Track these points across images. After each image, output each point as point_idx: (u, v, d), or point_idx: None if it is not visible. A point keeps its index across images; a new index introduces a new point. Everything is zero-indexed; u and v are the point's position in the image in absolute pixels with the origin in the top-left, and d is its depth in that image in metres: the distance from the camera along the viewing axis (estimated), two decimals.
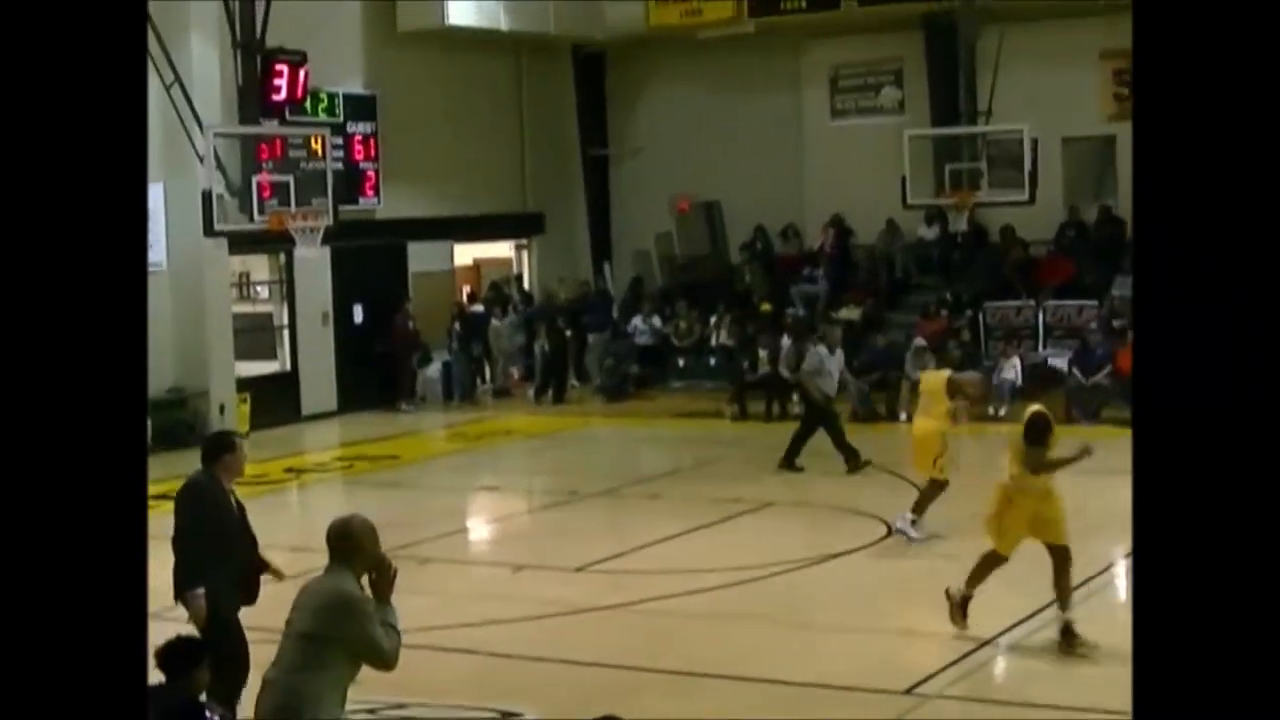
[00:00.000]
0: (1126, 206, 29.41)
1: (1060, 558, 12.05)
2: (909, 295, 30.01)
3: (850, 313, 29.01)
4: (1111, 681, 10.87)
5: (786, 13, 30.24)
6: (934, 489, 15.89)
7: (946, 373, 17.02)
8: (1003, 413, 24.83)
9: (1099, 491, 18.41)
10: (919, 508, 15.87)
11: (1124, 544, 15.06)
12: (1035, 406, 12.86)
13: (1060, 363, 25.25)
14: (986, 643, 12.00)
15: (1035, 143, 25.81)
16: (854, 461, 20.06)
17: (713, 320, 29.95)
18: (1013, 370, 25.47)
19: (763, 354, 26.59)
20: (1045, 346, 26.57)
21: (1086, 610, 12.37)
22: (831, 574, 14.77)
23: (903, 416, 24.75)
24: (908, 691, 10.92)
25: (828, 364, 20.64)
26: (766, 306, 29.45)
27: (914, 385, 24.68)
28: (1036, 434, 12.28)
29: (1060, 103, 29.04)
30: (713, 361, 29.31)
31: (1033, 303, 27.25)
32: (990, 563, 12.28)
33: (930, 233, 30.64)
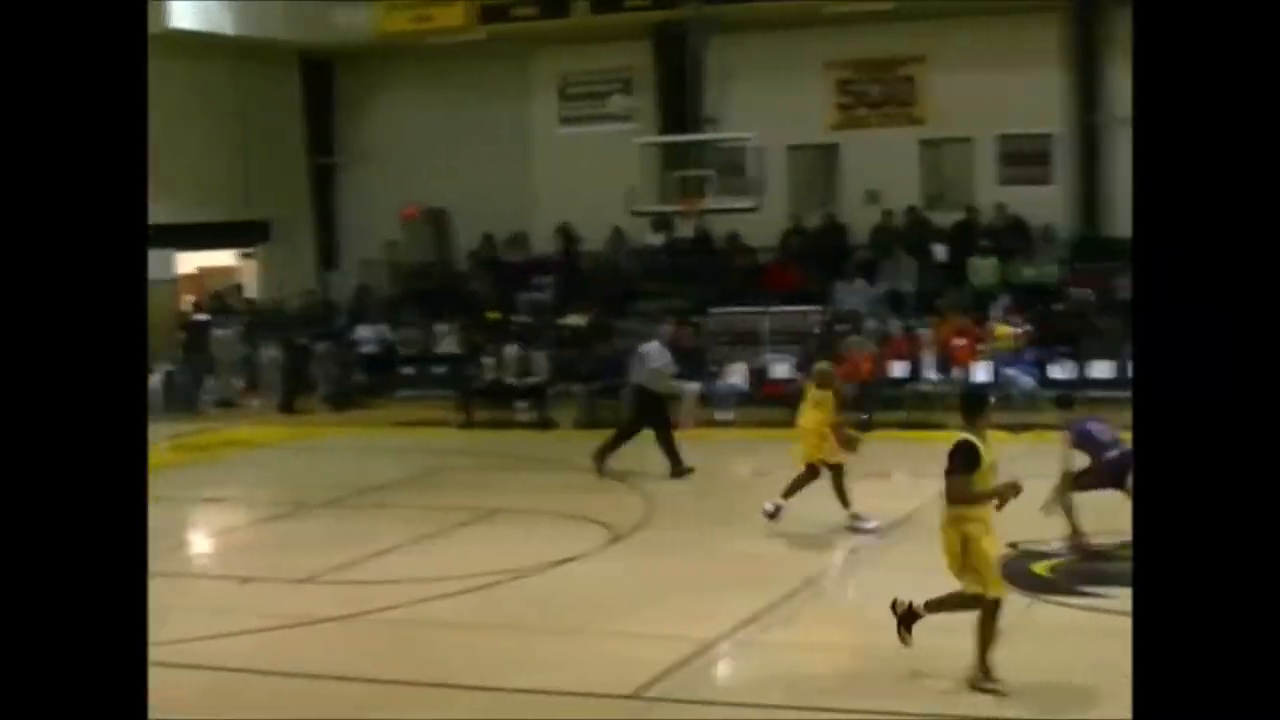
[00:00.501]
0: (848, 213, 30.14)
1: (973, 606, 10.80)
2: (636, 303, 30.25)
3: (577, 320, 29.13)
4: (844, 681, 11.11)
5: (516, 20, 30.26)
6: (807, 477, 16.23)
7: (823, 364, 17.22)
8: (728, 418, 25.22)
9: (833, 493, 18.89)
10: (843, 501, 16.09)
11: (849, 546, 15.42)
12: (961, 435, 11.13)
13: (785, 369, 25.70)
14: (713, 644, 12.14)
15: (761, 151, 26.25)
16: (680, 468, 20.06)
17: (440, 328, 29.81)
18: (738, 375, 25.85)
19: (489, 362, 26.60)
20: (770, 351, 27.01)
21: (802, 618, 12.57)
22: (560, 580, 14.80)
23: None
24: (633, 695, 10.99)
25: (666, 359, 20.68)
26: (494, 314, 29.42)
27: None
28: (953, 462, 11.00)
29: (785, 112, 29.61)
30: (440, 370, 29.15)
31: (758, 308, 27.68)
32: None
33: (657, 240, 30.94)
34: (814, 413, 16.43)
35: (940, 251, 28.96)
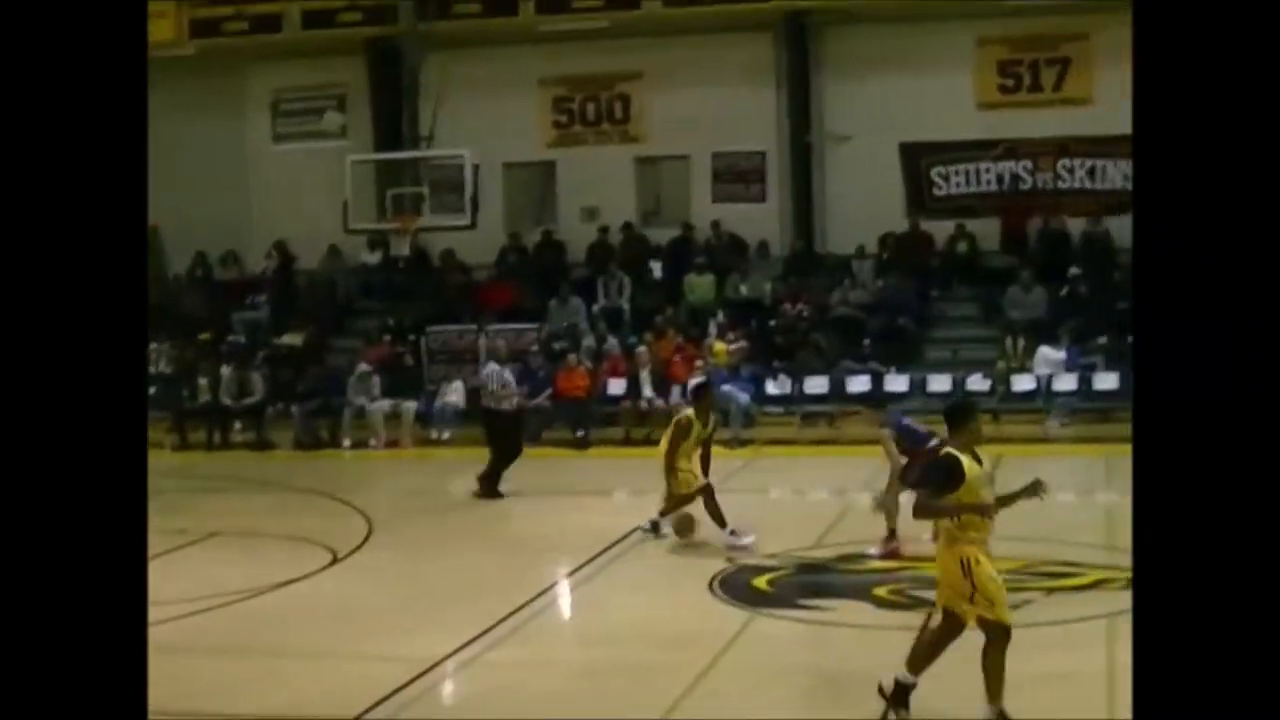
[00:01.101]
0: (566, 230, 30.28)
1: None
2: (353, 321, 29.94)
3: (293, 339, 28.69)
4: (567, 697, 11.11)
5: (228, 35, 29.71)
6: (684, 499, 15.92)
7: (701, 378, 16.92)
8: (445, 437, 25.10)
9: (555, 510, 18.93)
10: (719, 521, 15.69)
11: (572, 563, 15.45)
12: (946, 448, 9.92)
13: None
14: (438, 663, 12.04)
15: (476, 168, 26.21)
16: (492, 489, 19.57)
17: (151, 348, 29.03)
18: (455, 394, 25.75)
19: (203, 382, 26.04)
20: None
21: (527, 635, 12.57)
22: (282, 602, 14.52)
23: (346, 443, 24.69)
24: (357, 719, 10.84)
25: (506, 379, 20.26)
26: (206, 335, 28.81)
27: (357, 411, 24.75)
28: (924, 476, 10.39)
29: (502, 129, 29.62)
30: (152, 390, 28.38)
31: (475, 327, 27.62)
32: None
33: (373, 258, 30.66)
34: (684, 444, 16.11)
35: (657, 269, 29.30)
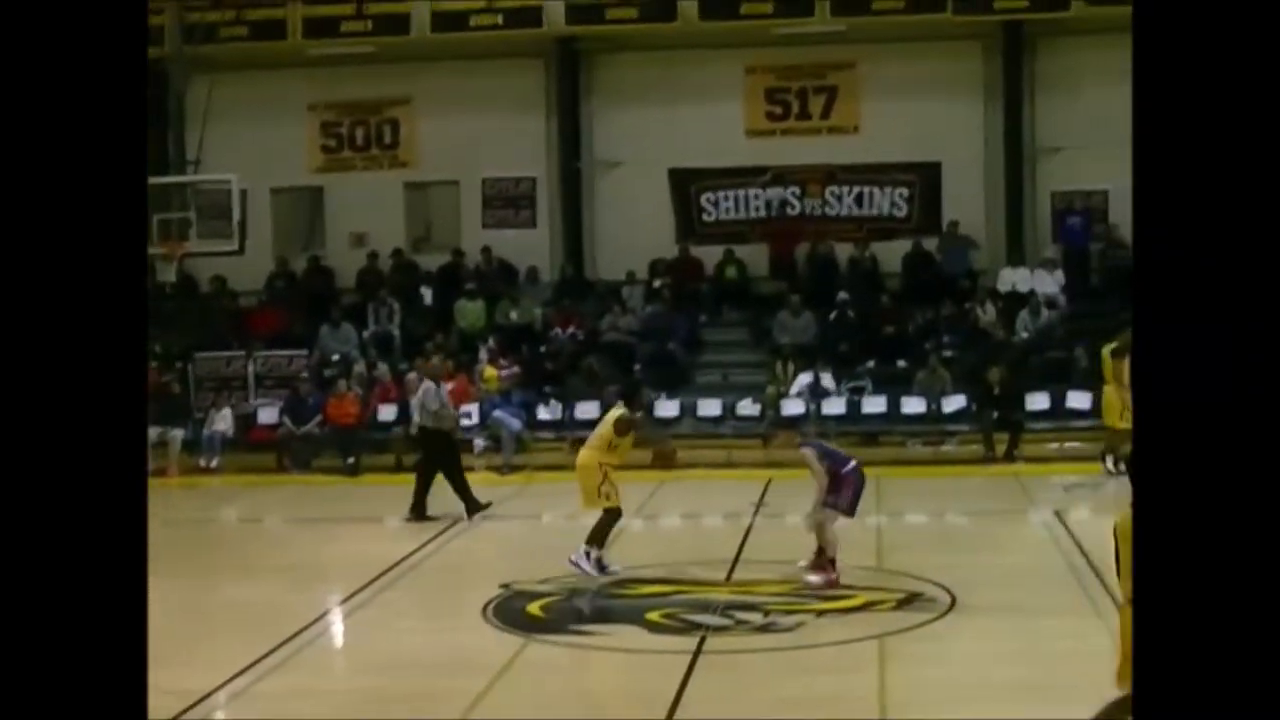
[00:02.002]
0: (335, 256, 29.97)
1: None
2: None
3: None
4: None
5: None
6: (608, 519, 15.32)
7: (619, 410, 16.36)
8: (214, 464, 24.63)
9: (326, 538, 18.66)
10: (594, 539, 15.13)
11: (344, 591, 15.23)
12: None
13: (271, 413, 25.31)
14: (208, 695, 11.77)
15: (244, 193, 25.81)
16: (474, 506, 19.07)
17: None
18: (224, 422, 25.29)
19: None
20: (256, 397, 26.55)
21: (298, 665, 12.38)
22: None
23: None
24: None
25: (443, 398, 19.76)
26: None
27: None
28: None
29: (269, 154, 29.21)
30: None
31: (244, 353, 27.17)
32: None
33: None
34: (585, 452, 15.68)
35: (427, 295, 29.14)
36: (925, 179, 29.09)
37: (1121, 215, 28.56)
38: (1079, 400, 23.87)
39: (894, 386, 24.98)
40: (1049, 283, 27.45)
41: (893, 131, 28.74)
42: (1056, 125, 28.57)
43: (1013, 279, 27.77)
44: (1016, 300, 27.07)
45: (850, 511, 14.58)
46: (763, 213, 29.43)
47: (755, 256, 29.21)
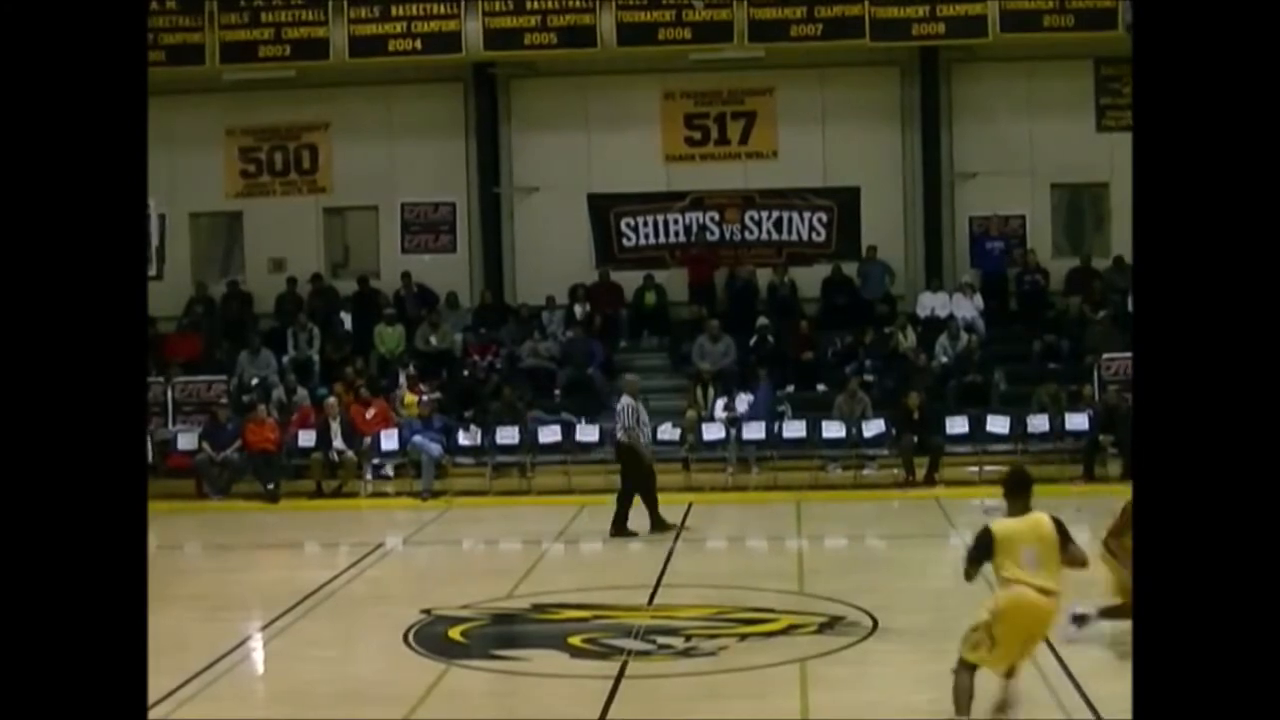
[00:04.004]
0: (254, 281, 29.75)
1: None
2: None
3: None
4: None
5: None
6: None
7: None
8: None
9: (244, 565, 18.50)
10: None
11: (263, 619, 15.08)
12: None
13: (190, 439, 25.06)
14: None
15: (163, 218, 25.57)
16: (663, 524, 19.00)
17: None
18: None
19: None
20: (175, 423, 26.28)
21: (216, 694, 12.27)
22: None
23: None
24: None
25: (643, 416, 19.63)
26: None
27: None
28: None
29: (187, 179, 28.97)
30: None
31: (162, 379, 26.89)
32: None
33: None
34: None
35: (346, 320, 28.98)
36: (843, 204, 29.24)
37: (1038, 240, 28.86)
38: (997, 424, 24.05)
39: (813, 411, 25.06)
40: (967, 307, 27.66)
41: (811, 157, 28.90)
42: (973, 151, 28.80)
43: (931, 303, 27.96)
44: (935, 325, 27.25)
45: None
46: (681, 238, 29.47)
47: (674, 281, 29.24)
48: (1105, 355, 24.95)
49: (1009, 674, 10.41)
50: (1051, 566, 10.02)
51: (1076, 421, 23.69)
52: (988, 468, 23.70)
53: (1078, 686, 11.32)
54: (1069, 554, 10.08)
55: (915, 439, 23.12)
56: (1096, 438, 22.90)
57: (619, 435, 19.67)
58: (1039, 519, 10.15)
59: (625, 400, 19.81)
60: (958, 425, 24.04)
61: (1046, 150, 28.31)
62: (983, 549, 10.18)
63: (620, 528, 18.91)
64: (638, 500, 18.98)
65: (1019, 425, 23.94)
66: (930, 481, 22.79)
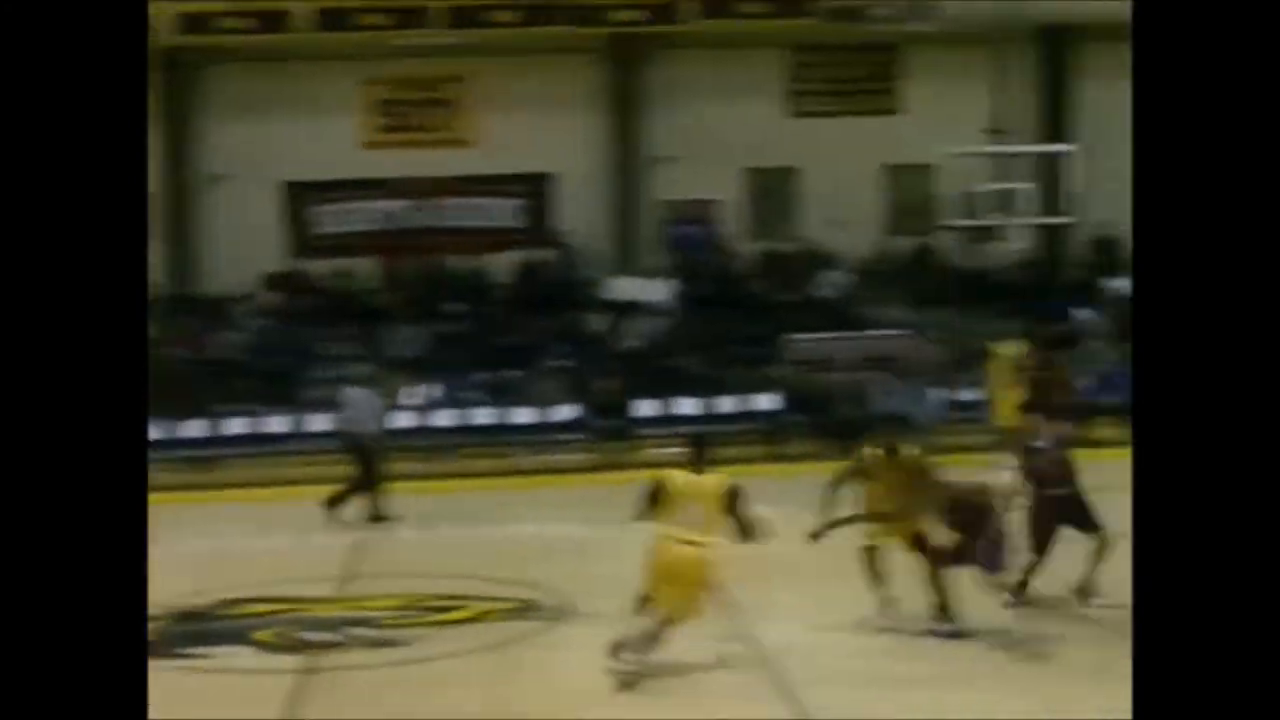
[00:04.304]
0: None
1: None
2: None
3: None
4: None
5: None
6: None
7: None
8: None
9: None
10: None
11: None
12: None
13: None
14: None
15: None
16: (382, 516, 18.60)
17: None
18: None
19: None
20: None
21: None
22: None
23: None
24: None
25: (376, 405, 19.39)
26: None
27: None
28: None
29: None
30: None
31: None
32: None
33: None
34: None
35: None
36: (539, 190, 29.35)
37: (729, 223, 29.37)
38: (689, 406, 24.40)
39: (506, 396, 25.07)
40: (660, 291, 27.97)
41: (507, 143, 28.90)
42: (668, 136, 29.16)
43: (625, 288, 28.21)
44: (629, 309, 27.49)
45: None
46: (377, 225, 29.21)
47: (368, 269, 28.96)
48: (794, 337, 25.48)
49: (668, 621, 10.93)
50: (710, 526, 10.82)
51: (765, 402, 24.17)
52: (678, 450, 24.04)
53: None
54: (739, 520, 10.85)
55: (609, 423, 23.30)
56: (784, 418, 23.39)
57: (345, 425, 19.52)
58: (707, 480, 11.01)
59: (354, 390, 19.75)
60: (650, 408, 24.30)
61: (740, 136, 28.82)
62: (651, 499, 11.12)
63: (337, 505, 18.87)
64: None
65: (709, 406, 24.32)
66: (622, 464, 22.98)
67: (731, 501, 10.93)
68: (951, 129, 25.58)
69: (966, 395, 24.55)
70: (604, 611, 13.49)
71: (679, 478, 11.02)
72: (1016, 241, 24.17)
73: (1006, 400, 19.67)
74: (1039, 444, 13.52)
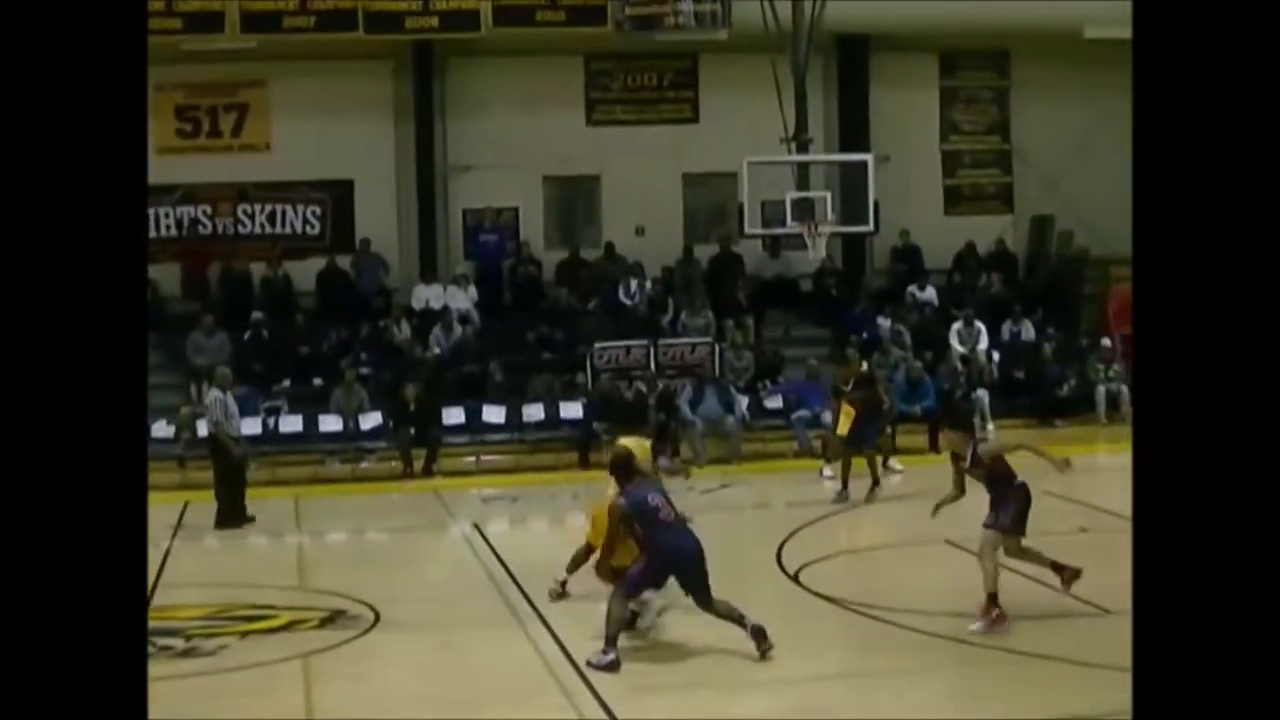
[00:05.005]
0: None
1: None
2: None
3: None
4: None
5: None
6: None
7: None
8: None
9: None
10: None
11: None
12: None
13: None
14: None
15: None
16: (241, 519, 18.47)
17: None
18: None
19: None
20: None
21: None
22: None
23: None
24: None
25: (231, 408, 18.99)
26: None
27: None
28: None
29: None
30: None
31: None
32: None
33: None
34: None
35: None
36: (338, 197, 29.13)
37: (531, 232, 29.45)
38: (494, 414, 24.44)
39: (310, 405, 24.86)
40: (462, 299, 27.97)
41: (305, 149, 28.62)
42: (468, 144, 29.15)
43: (426, 295, 28.14)
44: (430, 317, 27.43)
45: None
46: (174, 232, 28.75)
47: (166, 276, 28.44)
48: (597, 344, 25.63)
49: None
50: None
51: (571, 410, 24.29)
52: (485, 457, 24.08)
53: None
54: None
55: (413, 431, 23.24)
56: (590, 425, 23.52)
57: (209, 429, 19.47)
58: (641, 440, 12.89)
59: (214, 393, 19.60)
60: (455, 416, 24.30)
61: (539, 143, 28.90)
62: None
63: (227, 520, 18.81)
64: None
65: (515, 415, 24.39)
66: (429, 473, 22.94)
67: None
68: (751, 137, 25.92)
69: (770, 403, 24.99)
70: (412, 620, 13.51)
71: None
72: (817, 250, 24.57)
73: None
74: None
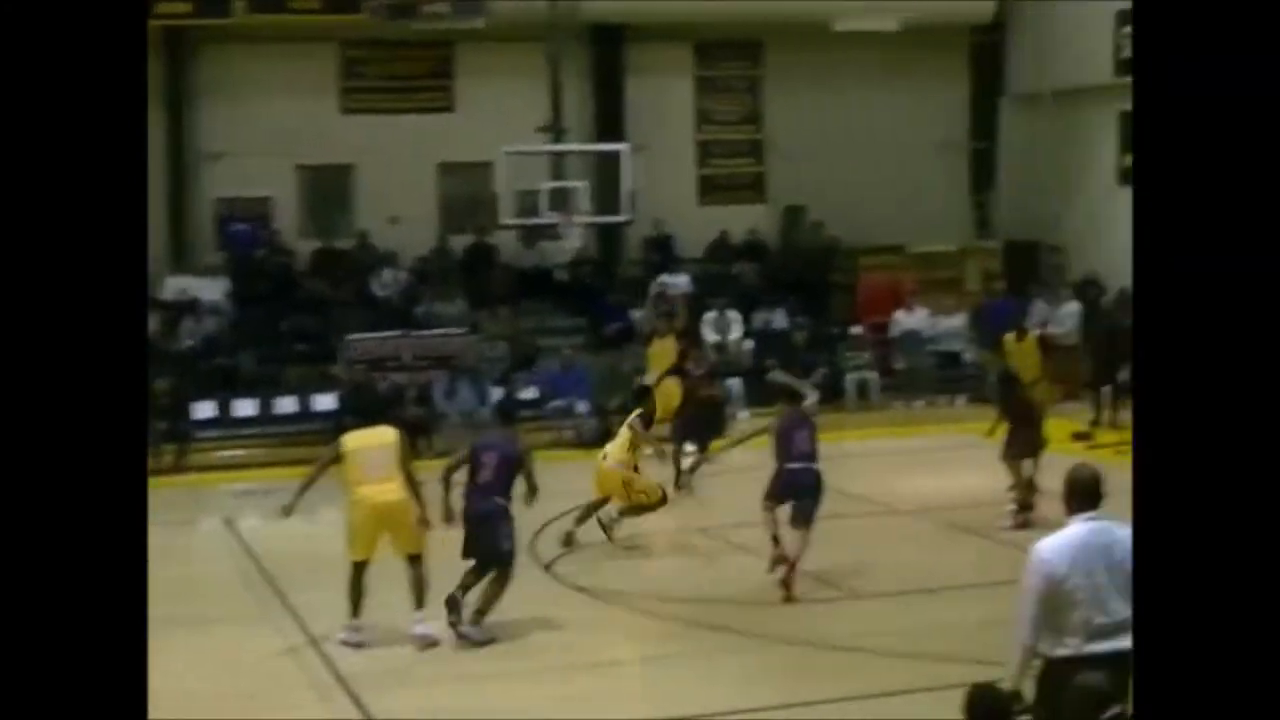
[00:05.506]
0: None
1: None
2: None
3: None
4: None
5: None
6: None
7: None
8: None
9: None
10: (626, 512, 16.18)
11: None
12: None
13: None
14: None
15: None
16: None
17: None
18: None
19: None
20: None
21: None
22: None
23: None
24: None
25: None
26: None
27: None
28: None
29: None
30: None
31: None
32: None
33: None
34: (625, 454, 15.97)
35: None
36: None
37: (284, 220, 29.01)
38: (246, 407, 24.04)
39: None
40: (214, 289, 27.39)
41: None
42: (220, 131, 28.57)
43: (177, 286, 27.48)
44: (181, 308, 26.82)
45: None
46: None
47: None
48: (350, 335, 25.34)
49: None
50: (392, 471, 12.32)
51: (325, 401, 24.00)
52: (236, 451, 23.64)
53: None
54: (407, 469, 12.41)
55: (163, 425, 22.73)
56: (344, 416, 23.25)
57: None
58: (382, 430, 12.73)
59: None
60: (206, 409, 23.84)
61: (293, 132, 28.44)
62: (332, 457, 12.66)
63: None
64: None
65: (268, 407, 24.02)
66: (179, 468, 22.46)
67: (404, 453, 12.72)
68: (507, 127, 25.87)
69: (526, 394, 24.91)
70: (165, 618, 13.18)
71: (358, 434, 12.89)
72: (572, 240, 24.61)
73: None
74: None
